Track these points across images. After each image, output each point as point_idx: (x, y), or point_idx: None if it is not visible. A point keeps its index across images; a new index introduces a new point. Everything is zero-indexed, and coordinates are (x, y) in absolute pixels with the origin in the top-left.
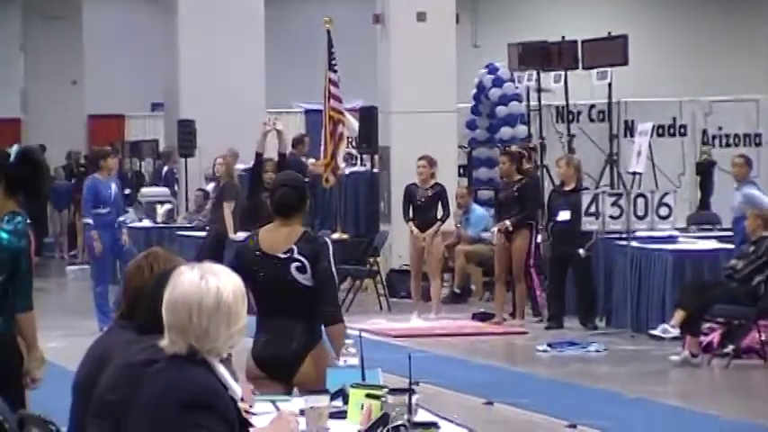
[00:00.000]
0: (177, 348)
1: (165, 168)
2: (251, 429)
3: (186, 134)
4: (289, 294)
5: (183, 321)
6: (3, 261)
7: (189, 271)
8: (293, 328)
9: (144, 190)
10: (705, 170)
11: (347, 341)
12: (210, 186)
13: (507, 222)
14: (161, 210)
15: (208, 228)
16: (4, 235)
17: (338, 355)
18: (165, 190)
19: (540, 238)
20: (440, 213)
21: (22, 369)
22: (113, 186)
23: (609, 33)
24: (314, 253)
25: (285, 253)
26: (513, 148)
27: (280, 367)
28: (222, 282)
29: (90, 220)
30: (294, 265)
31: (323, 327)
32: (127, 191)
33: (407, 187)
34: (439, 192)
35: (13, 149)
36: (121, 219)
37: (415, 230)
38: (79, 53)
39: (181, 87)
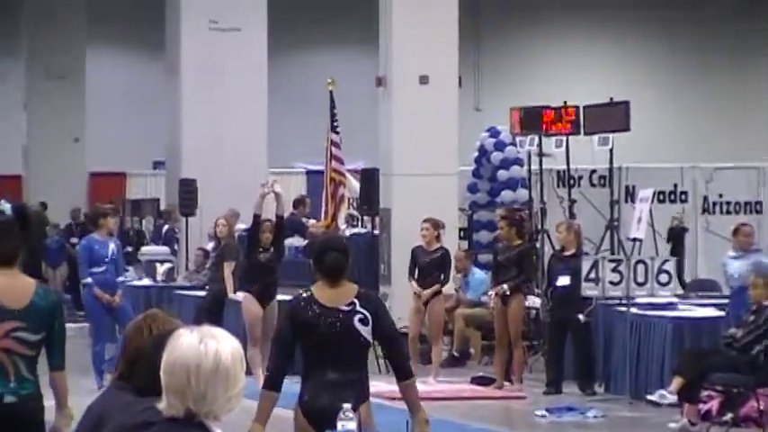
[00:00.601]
0: (175, 411)
1: (166, 227)
2: None
3: (188, 193)
4: (349, 346)
5: (181, 384)
6: (42, 318)
7: (188, 334)
8: (351, 381)
9: (144, 249)
10: (677, 235)
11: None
12: (210, 246)
13: (505, 286)
14: (161, 269)
15: (207, 287)
16: (41, 291)
17: (416, 409)
18: (165, 249)
19: (539, 303)
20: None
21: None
22: (111, 246)
23: (611, 99)
24: (375, 307)
25: (348, 306)
26: (500, 211)
27: (332, 420)
28: (221, 345)
29: (89, 280)
30: (357, 317)
31: (397, 381)
32: (128, 248)
33: (414, 249)
34: (443, 255)
35: (5, 206)
36: (120, 279)
37: (417, 288)
38: (81, 111)
39: (183, 146)
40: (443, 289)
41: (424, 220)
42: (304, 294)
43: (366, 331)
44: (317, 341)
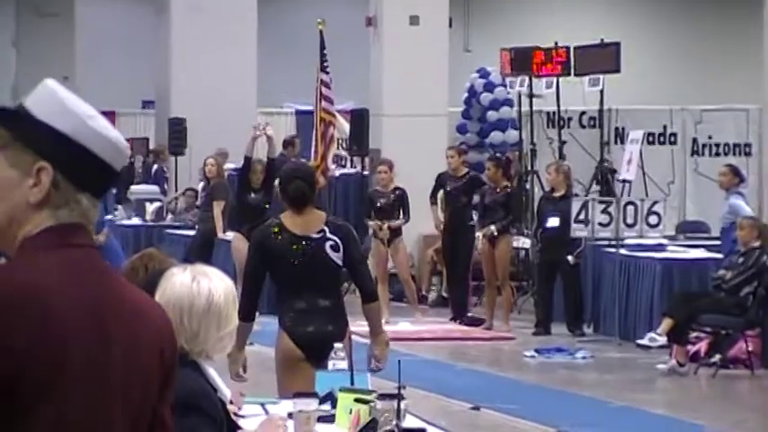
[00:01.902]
0: None
1: (156, 166)
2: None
3: (177, 132)
4: (323, 273)
5: (174, 323)
6: None
7: (181, 273)
8: (328, 307)
9: (134, 188)
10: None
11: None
12: (200, 185)
13: (492, 228)
14: (150, 208)
15: (197, 227)
16: None
17: (378, 331)
18: (154, 188)
19: (528, 244)
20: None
21: None
22: None
23: (601, 40)
24: (344, 234)
25: (318, 233)
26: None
27: (323, 343)
28: (214, 284)
29: None
30: (328, 243)
31: (363, 303)
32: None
33: (369, 192)
34: (400, 195)
35: None
36: (108, 217)
37: (377, 222)
38: (71, 50)
39: (172, 85)
40: (432, 229)
41: (382, 162)
42: (273, 224)
43: (337, 257)
44: (290, 270)
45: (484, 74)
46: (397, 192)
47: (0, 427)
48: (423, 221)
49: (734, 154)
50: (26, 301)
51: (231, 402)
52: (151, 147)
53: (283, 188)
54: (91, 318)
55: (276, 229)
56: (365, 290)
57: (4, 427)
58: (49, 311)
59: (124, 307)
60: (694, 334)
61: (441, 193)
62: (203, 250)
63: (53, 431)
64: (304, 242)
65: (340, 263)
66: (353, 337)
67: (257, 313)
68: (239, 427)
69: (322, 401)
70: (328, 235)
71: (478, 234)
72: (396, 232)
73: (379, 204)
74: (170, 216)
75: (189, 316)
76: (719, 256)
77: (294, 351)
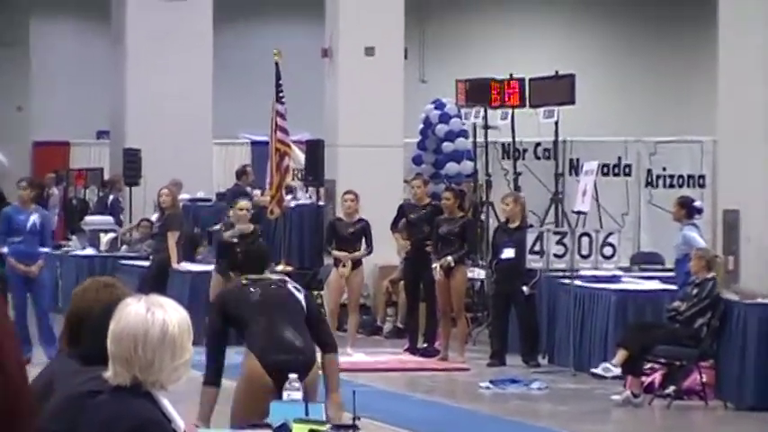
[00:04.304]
0: (121, 380)
1: (112, 197)
2: None
3: (132, 163)
4: (288, 304)
5: (128, 353)
6: None
7: (135, 303)
8: (301, 335)
9: (88, 218)
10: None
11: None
12: (155, 216)
13: (449, 258)
14: (105, 238)
15: (151, 257)
16: None
17: (333, 388)
18: (109, 218)
19: (483, 275)
20: (363, 248)
21: None
22: (33, 217)
23: (556, 72)
24: (302, 287)
25: (278, 276)
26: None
27: (297, 371)
28: (168, 314)
29: (5, 249)
30: (290, 285)
31: (323, 354)
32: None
33: (333, 222)
34: (364, 227)
35: None
36: (45, 250)
37: (341, 254)
38: (25, 79)
39: (127, 116)
40: (387, 260)
41: (348, 192)
42: (233, 284)
43: (301, 297)
44: (257, 308)
45: (439, 105)
46: (361, 222)
47: None
48: (378, 253)
49: (688, 186)
50: None
51: None
52: (106, 177)
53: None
54: None
55: (237, 284)
56: (325, 340)
57: None
58: None
59: None
60: (649, 365)
61: (402, 223)
62: (158, 280)
63: None
64: (266, 282)
65: (304, 303)
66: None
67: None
68: None
69: None
70: (288, 280)
71: (435, 265)
72: (356, 263)
73: (342, 234)
74: (124, 247)
75: (143, 346)
76: (674, 287)
77: (264, 381)
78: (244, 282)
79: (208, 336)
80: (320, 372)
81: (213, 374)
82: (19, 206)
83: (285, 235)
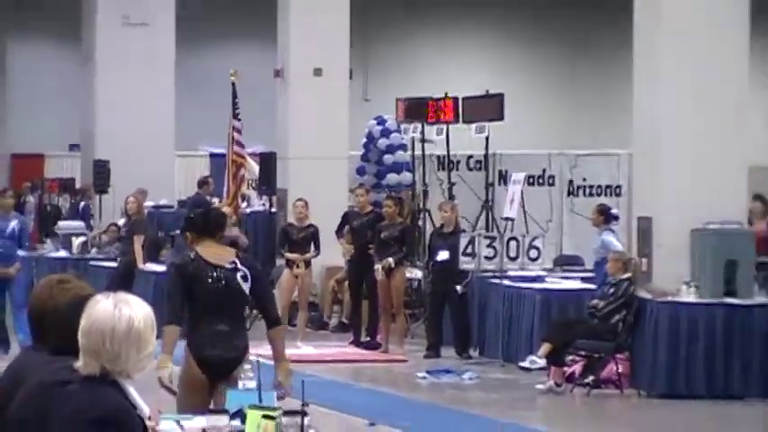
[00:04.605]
0: (91, 370)
1: (82, 204)
2: None
3: (101, 173)
4: (232, 300)
5: (97, 345)
6: None
7: (104, 300)
8: (234, 332)
9: (61, 223)
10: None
11: (246, 366)
12: (122, 221)
13: (390, 260)
14: (76, 242)
15: (119, 259)
16: None
17: (280, 357)
18: (80, 223)
19: (420, 275)
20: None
21: None
22: (12, 223)
23: (487, 91)
24: (252, 266)
25: (230, 264)
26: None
27: (225, 365)
28: (134, 311)
29: None
30: (239, 274)
31: (267, 329)
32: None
33: (284, 227)
34: (314, 232)
35: None
36: (21, 253)
37: (298, 256)
38: (3, 97)
39: (97, 130)
40: (333, 261)
41: (298, 200)
42: (191, 255)
43: (246, 287)
44: (204, 295)
45: (381, 121)
46: (310, 228)
47: None
48: (325, 255)
49: (606, 195)
50: None
51: (150, 419)
52: (77, 186)
53: (203, 219)
54: None
55: (193, 258)
56: (270, 316)
57: None
58: None
59: None
60: (570, 357)
61: (346, 229)
62: (125, 280)
63: None
64: (218, 270)
65: (248, 292)
66: (261, 359)
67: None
68: None
69: (233, 418)
70: (239, 266)
71: (377, 266)
72: (306, 264)
73: (294, 238)
74: (94, 249)
75: (111, 339)
76: (593, 286)
77: (197, 373)
78: (204, 261)
79: (169, 283)
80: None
81: (173, 315)
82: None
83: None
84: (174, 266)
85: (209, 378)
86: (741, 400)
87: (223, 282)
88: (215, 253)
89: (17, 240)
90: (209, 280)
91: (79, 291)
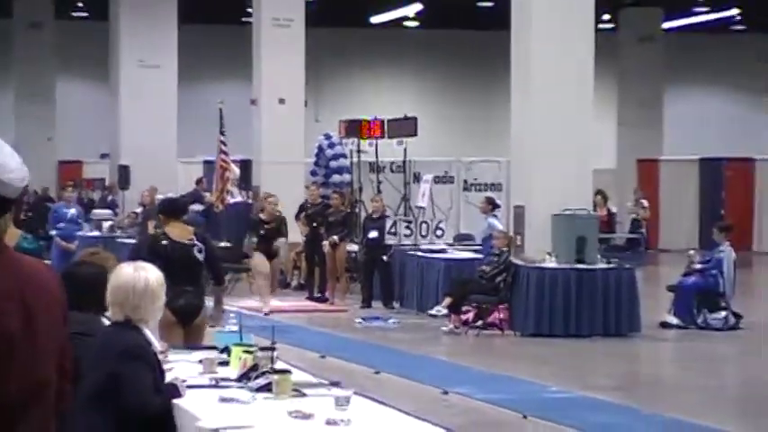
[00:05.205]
0: (118, 317)
1: (110, 197)
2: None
3: (123, 175)
4: (192, 268)
5: (122, 299)
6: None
7: (127, 267)
8: (195, 290)
9: (94, 211)
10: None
11: (231, 315)
12: (139, 210)
13: (335, 237)
14: (105, 225)
15: (137, 237)
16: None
17: (220, 302)
18: (108, 212)
19: (357, 249)
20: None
21: None
22: (72, 210)
23: (405, 115)
24: (204, 240)
25: (189, 241)
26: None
27: (190, 314)
28: (149, 274)
29: (53, 232)
30: (196, 248)
31: (213, 285)
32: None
33: (255, 221)
34: (281, 218)
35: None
36: (79, 233)
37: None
38: (53, 120)
39: (121, 144)
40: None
41: (272, 195)
42: (160, 233)
43: (201, 257)
44: (170, 265)
45: (328, 136)
46: (279, 215)
47: None
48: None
49: (491, 190)
50: None
51: (161, 352)
52: (106, 184)
53: (171, 206)
54: (19, 302)
55: (162, 236)
56: (218, 277)
57: None
58: None
59: (40, 286)
60: (465, 307)
61: (303, 215)
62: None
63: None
64: (180, 246)
65: (202, 261)
66: (241, 311)
67: None
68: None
69: (221, 352)
70: (196, 242)
71: (325, 242)
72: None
73: (263, 232)
74: (119, 230)
75: (132, 294)
76: (481, 256)
77: (171, 318)
78: (170, 238)
79: (144, 253)
80: (207, 320)
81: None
82: (63, 203)
83: (226, 222)
84: (146, 246)
85: (180, 322)
86: (588, 338)
87: (184, 255)
88: (179, 233)
89: (76, 223)
90: (174, 253)
91: (104, 261)
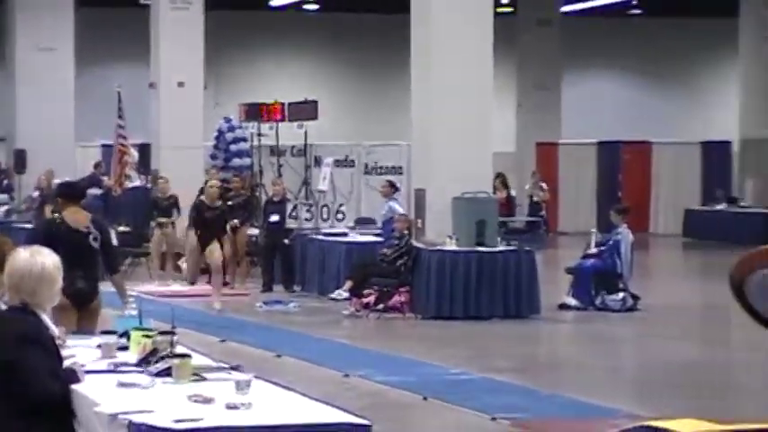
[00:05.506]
0: (14, 302)
1: (6, 182)
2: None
3: (20, 159)
4: (87, 255)
5: (19, 284)
6: None
7: (23, 251)
8: (89, 276)
9: None
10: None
11: (130, 299)
12: (36, 194)
13: (236, 221)
14: (2, 210)
15: (34, 222)
16: None
17: (125, 293)
18: (5, 196)
19: (258, 232)
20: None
21: None
22: None
23: (305, 98)
24: (102, 228)
25: (85, 228)
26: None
27: (84, 299)
28: (45, 258)
29: None
30: (92, 236)
31: (110, 275)
32: None
33: (153, 199)
34: (175, 200)
35: None
36: None
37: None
38: None
39: (17, 127)
40: None
41: (161, 177)
42: (57, 217)
43: (96, 244)
44: (66, 251)
45: (228, 120)
46: (172, 198)
47: None
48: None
49: (392, 174)
50: None
51: (59, 338)
52: (2, 168)
53: (69, 190)
54: None
55: (59, 221)
56: (112, 266)
57: None
58: None
59: None
60: (367, 291)
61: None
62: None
63: None
64: (76, 233)
65: (98, 248)
66: (141, 294)
67: None
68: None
69: (121, 337)
70: (92, 230)
71: (228, 226)
72: (172, 225)
73: (161, 206)
74: (15, 215)
75: (28, 279)
76: (382, 239)
77: (65, 303)
78: (66, 225)
79: (39, 239)
80: (98, 300)
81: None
82: None
83: (124, 206)
84: (41, 230)
85: (74, 306)
86: (488, 320)
87: (80, 242)
88: (75, 218)
89: None
90: (70, 240)
91: (2, 245)
